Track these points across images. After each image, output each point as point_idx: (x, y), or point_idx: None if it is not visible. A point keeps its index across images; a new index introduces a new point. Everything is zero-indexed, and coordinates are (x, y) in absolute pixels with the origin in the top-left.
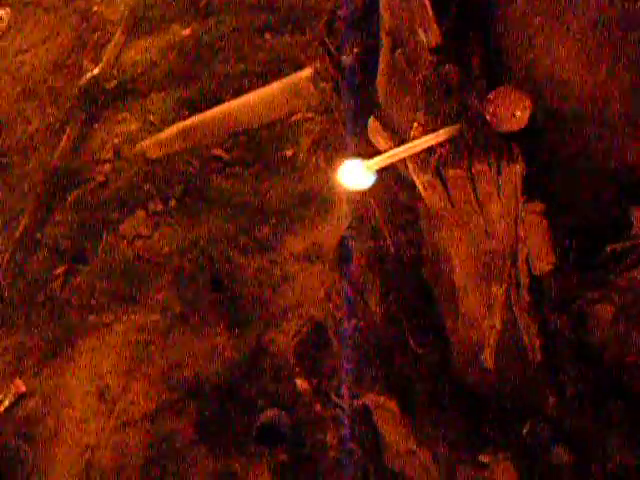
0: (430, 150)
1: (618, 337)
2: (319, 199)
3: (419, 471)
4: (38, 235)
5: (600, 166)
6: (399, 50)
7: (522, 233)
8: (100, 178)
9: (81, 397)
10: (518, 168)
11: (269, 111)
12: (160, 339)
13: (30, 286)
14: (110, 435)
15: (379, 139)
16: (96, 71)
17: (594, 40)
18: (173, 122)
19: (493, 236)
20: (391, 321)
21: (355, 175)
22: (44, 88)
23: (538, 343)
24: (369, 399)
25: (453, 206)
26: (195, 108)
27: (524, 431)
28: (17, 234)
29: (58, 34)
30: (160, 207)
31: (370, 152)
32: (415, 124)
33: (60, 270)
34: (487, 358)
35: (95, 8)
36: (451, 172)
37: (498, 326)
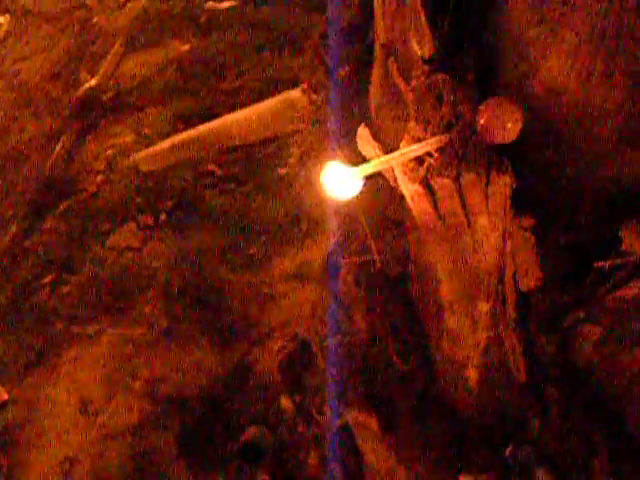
0: (419, 160)
1: (605, 358)
2: (310, 219)
3: None
4: (27, 243)
5: (591, 181)
6: (391, 59)
7: (510, 248)
8: (92, 189)
9: (63, 407)
10: (507, 179)
11: (264, 127)
12: (145, 352)
13: (17, 294)
14: (90, 447)
15: (368, 148)
16: (93, 82)
17: (588, 52)
18: (168, 136)
19: (480, 251)
20: (376, 337)
21: (341, 182)
22: (40, 97)
23: (523, 362)
24: (351, 417)
25: (441, 218)
26: (190, 123)
27: (506, 452)
28: (6, 241)
29: (57, 44)
30: (151, 220)
31: (359, 163)
32: (405, 134)
33: (48, 279)
34: (471, 377)
35: (95, 19)
36: (439, 181)
37: (483, 344)
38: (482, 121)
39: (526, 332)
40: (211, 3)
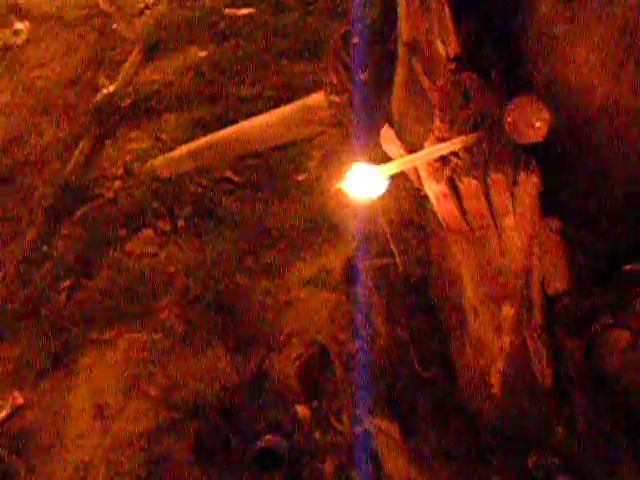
0: (444, 159)
1: (634, 364)
2: (329, 225)
3: None
4: (44, 248)
5: (621, 182)
6: (415, 58)
7: (537, 251)
8: (109, 194)
9: (78, 413)
10: (535, 179)
11: (282, 133)
12: (161, 358)
13: (33, 299)
14: (106, 452)
15: (392, 148)
16: (111, 88)
17: (619, 49)
18: (185, 142)
19: (506, 253)
20: (396, 343)
21: (365, 181)
22: (59, 103)
23: (548, 369)
24: (371, 424)
25: (466, 219)
26: (208, 129)
27: (529, 462)
28: (24, 246)
29: (75, 50)
30: (168, 226)
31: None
32: (430, 134)
33: (65, 284)
34: (494, 383)
35: (114, 26)
36: (465, 181)
37: (507, 349)
38: (509, 120)
39: (552, 337)
40: (229, 10)
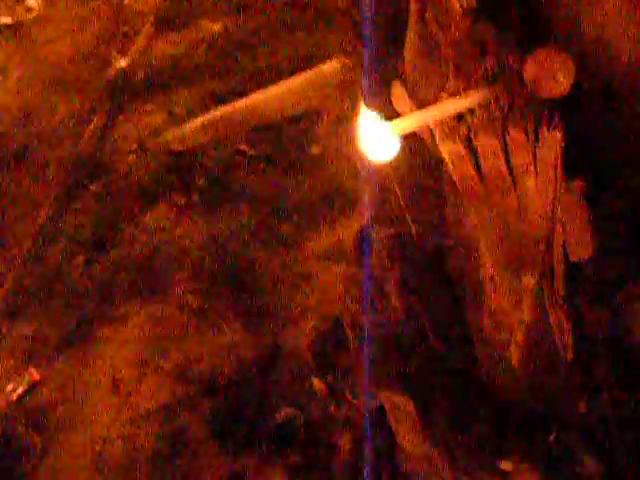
0: (460, 117)
1: None
2: (343, 197)
3: (435, 477)
4: (59, 224)
5: None
6: (429, 11)
7: (559, 215)
8: (123, 169)
9: (94, 388)
10: (559, 137)
11: (296, 103)
12: (176, 333)
13: (48, 275)
14: (122, 427)
15: (404, 106)
16: (124, 63)
17: None
18: (199, 115)
19: (527, 217)
20: (412, 316)
21: (378, 140)
22: (72, 78)
23: (571, 341)
24: (385, 399)
25: (483, 182)
26: (222, 102)
27: (550, 438)
28: (39, 222)
29: (88, 25)
30: (183, 200)
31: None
32: (444, 92)
33: (79, 260)
34: (514, 357)
35: (126, 0)
36: (483, 140)
37: (527, 321)
38: (530, 73)
39: (575, 308)
40: None
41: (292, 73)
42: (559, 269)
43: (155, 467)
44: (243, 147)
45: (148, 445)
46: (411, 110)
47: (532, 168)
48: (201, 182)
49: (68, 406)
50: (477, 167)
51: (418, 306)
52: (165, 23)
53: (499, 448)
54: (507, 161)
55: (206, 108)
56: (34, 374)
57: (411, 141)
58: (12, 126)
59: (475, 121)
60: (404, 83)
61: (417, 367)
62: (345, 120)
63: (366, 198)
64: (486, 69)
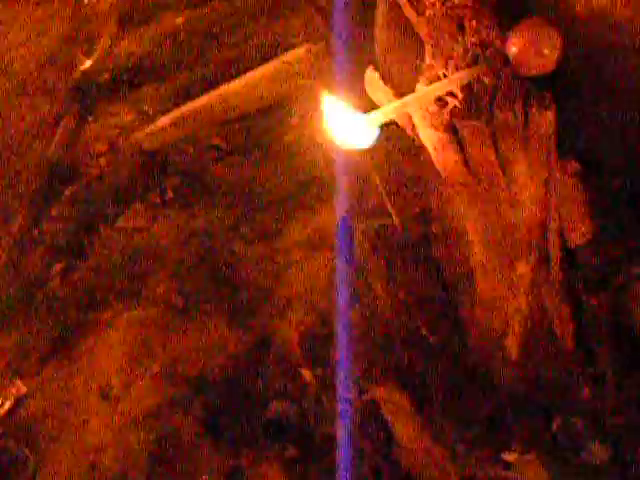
0: (441, 101)
1: None
2: (320, 183)
3: (435, 470)
4: (35, 232)
5: None
6: None
7: (554, 199)
8: (96, 172)
9: (83, 397)
10: (550, 117)
11: (265, 93)
12: (162, 334)
13: (28, 285)
14: (114, 434)
15: (379, 94)
16: (89, 64)
17: None
18: (168, 112)
19: (518, 204)
20: (400, 308)
21: (354, 132)
22: (37, 83)
23: (570, 328)
24: (377, 394)
25: (470, 170)
26: (190, 96)
27: (554, 425)
28: (13, 232)
29: (50, 28)
30: (158, 199)
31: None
32: (421, 76)
33: (58, 267)
34: (511, 347)
35: (87, 0)
36: (467, 125)
37: (524, 309)
38: (514, 49)
39: (573, 293)
40: None
41: (260, 62)
42: (555, 255)
43: (151, 471)
44: (216, 141)
45: (142, 450)
46: (387, 98)
47: (522, 153)
48: (176, 179)
49: (58, 417)
50: (462, 154)
51: (406, 297)
52: (128, 20)
53: (500, 439)
54: (495, 146)
55: (175, 104)
56: (20, 387)
57: (388, 127)
58: None
59: (458, 105)
60: (377, 69)
61: (409, 360)
62: (317, 108)
63: (343, 189)
64: (465, 48)
